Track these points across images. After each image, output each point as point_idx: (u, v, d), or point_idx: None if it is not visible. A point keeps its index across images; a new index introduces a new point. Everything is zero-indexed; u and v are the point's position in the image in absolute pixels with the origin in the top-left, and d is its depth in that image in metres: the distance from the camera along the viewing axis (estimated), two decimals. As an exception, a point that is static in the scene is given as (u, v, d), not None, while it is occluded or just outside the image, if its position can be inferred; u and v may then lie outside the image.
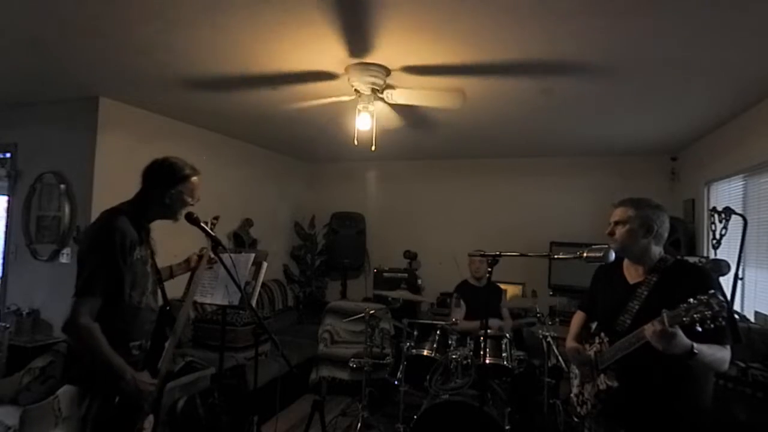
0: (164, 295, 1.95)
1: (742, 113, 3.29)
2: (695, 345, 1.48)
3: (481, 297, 3.71)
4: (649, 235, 1.73)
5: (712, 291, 1.44)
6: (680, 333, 1.47)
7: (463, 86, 2.92)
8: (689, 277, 1.65)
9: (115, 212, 1.75)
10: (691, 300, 1.45)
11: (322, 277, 5.97)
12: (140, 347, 1.79)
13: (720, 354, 1.56)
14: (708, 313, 1.41)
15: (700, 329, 1.43)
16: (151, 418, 1.77)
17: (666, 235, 1.77)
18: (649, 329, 1.52)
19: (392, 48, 2.47)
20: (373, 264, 5.68)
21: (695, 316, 1.43)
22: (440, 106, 3.04)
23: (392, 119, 3.33)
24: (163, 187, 1.83)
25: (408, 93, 2.85)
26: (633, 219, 1.73)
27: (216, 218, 2.16)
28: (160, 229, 1.97)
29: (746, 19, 2.02)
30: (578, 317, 2.10)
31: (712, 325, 1.42)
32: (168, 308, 1.86)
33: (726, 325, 1.56)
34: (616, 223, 1.78)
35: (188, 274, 2.21)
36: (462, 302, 3.76)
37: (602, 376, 1.75)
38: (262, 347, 3.36)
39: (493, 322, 3.63)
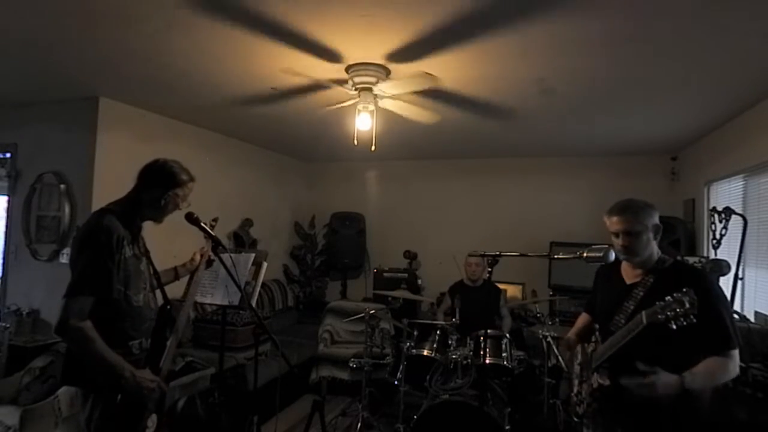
0: (164, 294, 1.95)
1: (742, 113, 3.29)
2: (685, 378, 1.49)
3: (477, 297, 3.71)
4: (658, 237, 1.73)
5: (686, 289, 1.45)
6: (659, 378, 1.49)
7: (454, 60, 2.65)
8: (685, 279, 1.65)
9: (102, 212, 1.76)
10: (668, 297, 1.47)
11: (322, 277, 5.97)
12: (140, 346, 1.79)
13: (721, 367, 1.55)
14: (680, 310, 1.42)
15: (674, 327, 1.44)
16: (154, 417, 1.77)
17: None
18: (631, 384, 1.55)
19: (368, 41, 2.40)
20: (373, 264, 5.68)
21: (669, 313, 1.45)
22: (419, 119, 3.17)
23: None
24: (161, 188, 1.84)
25: (398, 104, 2.95)
26: (644, 226, 1.70)
27: (215, 220, 2.17)
28: (160, 229, 1.97)
29: (747, 20, 2.02)
30: (583, 318, 2.10)
31: (684, 323, 1.43)
32: (169, 307, 1.86)
33: (729, 329, 1.57)
34: (628, 234, 1.72)
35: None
36: (450, 300, 3.77)
37: (595, 374, 1.76)
38: (262, 347, 3.36)
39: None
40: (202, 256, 2.15)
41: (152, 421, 1.76)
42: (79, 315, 1.60)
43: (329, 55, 2.57)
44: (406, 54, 2.52)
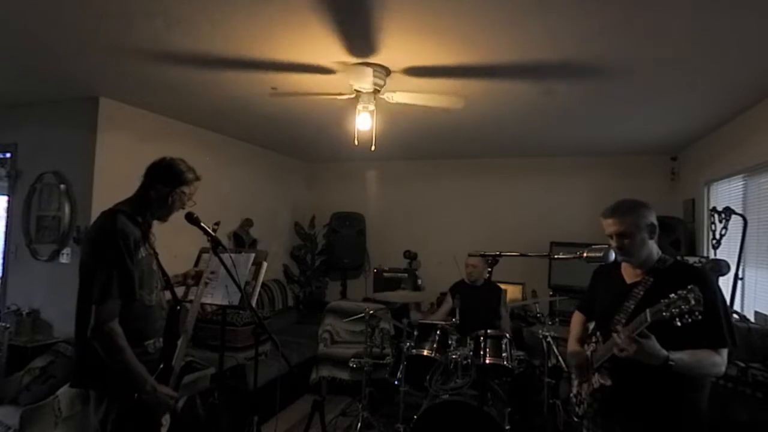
0: (174, 294, 1.96)
1: (742, 113, 3.29)
2: (672, 356, 1.50)
3: (478, 297, 3.71)
4: (654, 236, 1.73)
5: (691, 286, 1.45)
6: (649, 344, 1.49)
7: (463, 87, 2.93)
8: (685, 278, 1.64)
9: (113, 213, 1.74)
10: (672, 295, 1.47)
11: (322, 277, 5.97)
12: (155, 345, 1.80)
13: (710, 359, 1.56)
14: (685, 307, 1.43)
15: (679, 324, 1.44)
16: (168, 416, 1.80)
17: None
18: (617, 336, 1.56)
19: (394, 49, 2.47)
20: (373, 264, 5.68)
21: (674, 310, 1.45)
22: (440, 106, 3.05)
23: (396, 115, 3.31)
24: (167, 186, 1.85)
25: (409, 94, 2.85)
26: (637, 227, 1.70)
27: (217, 224, 2.18)
28: (160, 229, 1.97)
29: (746, 20, 2.02)
30: (577, 318, 2.09)
31: (689, 320, 1.43)
32: (178, 308, 1.87)
33: (723, 328, 1.58)
34: (620, 235, 1.72)
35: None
36: (451, 300, 3.77)
37: (596, 375, 1.76)
38: (262, 347, 3.36)
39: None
40: (195, 277, 2.17)
41: (166, 419, 1.80)
42: (111, 318, 1.62)
43: (322, 71, 2.63)
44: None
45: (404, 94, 2.84)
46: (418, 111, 3.23)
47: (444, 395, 2.89)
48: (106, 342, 1.61)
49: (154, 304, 1.81)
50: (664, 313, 1.47)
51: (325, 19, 2.16)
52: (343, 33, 2.30)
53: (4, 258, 3.83)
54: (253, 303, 2.44)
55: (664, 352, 1.50)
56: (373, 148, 3.35)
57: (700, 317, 1.43)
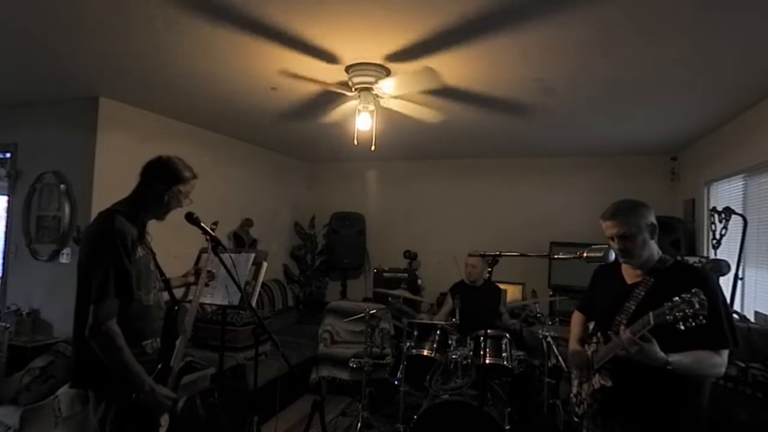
0: (171, 294, 1.95)
1: (742, 113, 3.29)
2: (671, 360, 1.50)
3: (478, 297, 3.71)
4: (654, 236, 1.73)
5: (695, 290, 1.44)
6: (650, 347, 1.49)
7: (456, 65, 2.79)
8: (686, 279, 1.63)
9: (111, 213, 1.74)
10: (676, 298, 1.46)
11: (322, 277, 5.97)
12: (152, 346, 1.80)
13: (710, 360, 1.56)
14: (689, 311, 1.42)
15: (683, 328, 1.44)
16: (167, 416, 1.80)
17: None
18: (617, 338, 1.56)
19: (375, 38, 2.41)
20: (373, 264, 5.68)
21: (677, 314, 1.44)
22: (423, 118, 3.19)
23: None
24: (164, 184, 1.84)
25: (400, 102, 2.93)
26: (638, 228, 1.69)
27: (215, 223, 2.17)
28: (160, 229, 1.97)
29: (746, 20, 2.02)
30: (577, 318, 2.09)
31: (693, 324, 1.42)
32: (176, 308, 1.87)
33: (724, 328, 1.57)
34: (622, 237, 1.71)
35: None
36: (451, 300, 3.77)
37: (597, 375, 1.76)
38: (262, 347, 3.36)
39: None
40: (196, 274, 2.17)
41: (165, 419, 1.79)
42: (108, 318, 1.61)
43: (327, 57, 2.58)
44: (405, 54, 2.52)
45: (397, 101, 2.88)
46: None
47: (444, 395, 2.89)
48: (104, 341, 1.61)
49: (152, 304, 1.80)
50: (667, 317, 1.46)
51: (326, 20, 2.16)
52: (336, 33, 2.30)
53: (4, 258, 3.83)
54: (253, 303, 2.44)
55: (663, 356, 1.50)
56: (373, 148, 3.35)
57: (704, 321, 1.42)
